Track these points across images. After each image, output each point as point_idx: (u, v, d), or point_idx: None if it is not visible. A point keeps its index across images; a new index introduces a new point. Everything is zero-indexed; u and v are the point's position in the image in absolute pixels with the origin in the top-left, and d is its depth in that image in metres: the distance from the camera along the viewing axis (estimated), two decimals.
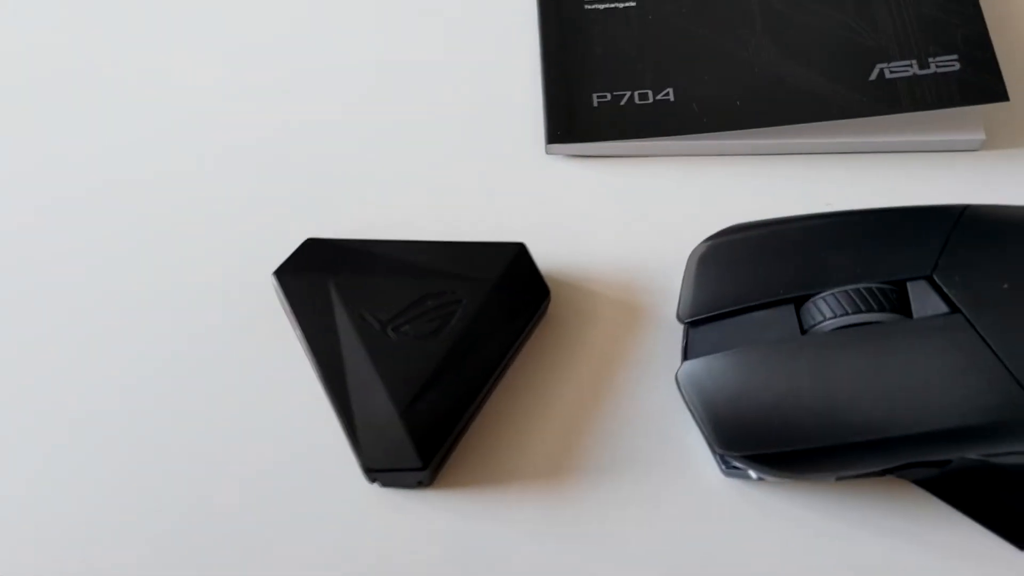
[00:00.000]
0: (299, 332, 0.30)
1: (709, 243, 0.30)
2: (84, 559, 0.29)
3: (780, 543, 0.28)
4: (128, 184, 0.36)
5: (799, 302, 0.28)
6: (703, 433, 0.27)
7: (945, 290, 0.27)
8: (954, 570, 0.28)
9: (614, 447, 0.30)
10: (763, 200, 0.34)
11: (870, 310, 0.27)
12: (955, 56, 0.35)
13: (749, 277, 0.29)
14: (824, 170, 0.35)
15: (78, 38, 0.39)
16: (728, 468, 0.29)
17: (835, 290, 0.28)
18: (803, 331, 0.28)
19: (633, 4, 0.38)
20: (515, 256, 0.31)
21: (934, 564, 0.28)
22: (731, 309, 0.29)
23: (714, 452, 0.28)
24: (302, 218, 0.34)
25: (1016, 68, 0.36)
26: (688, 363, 0.28)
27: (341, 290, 0.30)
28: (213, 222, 0.35)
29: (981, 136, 0.35)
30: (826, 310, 0.27)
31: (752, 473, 0.28)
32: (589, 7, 0.38)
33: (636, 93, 0.36)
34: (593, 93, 0.36)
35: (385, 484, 0.29)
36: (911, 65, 0.35)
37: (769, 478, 0.28)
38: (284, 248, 0.32)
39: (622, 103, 0.35)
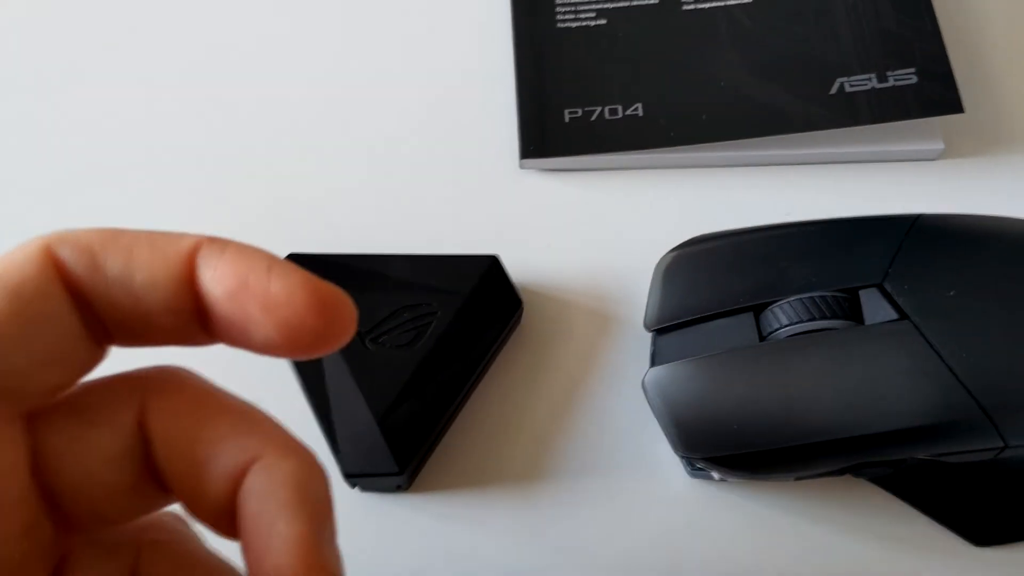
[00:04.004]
0: None
1: (674, 253, 0.32)
2: None
3: (743, 541, 0.30)
4: (117, 200, 0.37)
5: (758, 310, 0.29)
6: (667, 437, 0.28)
7: (895, 297, 0.28)
8: (910, 565, 0.29)
9: (585, 451, 0.31)
10: (728, 211, 0.35)
11: (823, 317, 0.28)
12: (913, 70, 0.36)
13: (711, 286, 0.30)
14: (788, 181, 0.36)
15: (38, 61, 0.41)
16: (693, 470, 0.30)
17: (791, 298, 0.29)
18: (762, 338, 0.29)
19: (604, 22, 0.39)
20: (489, 268, 0.32)
21: (890, 559, 0.29)
22: (694, 317, 0.30)
23: (679, 455, 0.30)
24: (284, 233, 0.35)
25: (972, 80, 0.37)
26: (653, 370, 0.29)
27: None
28: None
29: (940, 146, 0.36)
30: (782, 317, 0.29)
31: (715, 474, 0.29)
32: (561, 25, 0.39)
33: (606, 108, 0.37)
34: (565, 109, 0.37)
35: (365, 488, 0.31)
36: (871, 79, 0.36)
37: (731, 479, 0.30)
38: None
39: (593, 118, 0.37)
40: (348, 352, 0.31)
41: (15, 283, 0.17)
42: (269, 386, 0.32)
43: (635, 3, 0.39)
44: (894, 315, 0.28)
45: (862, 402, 0.27)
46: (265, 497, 0.17)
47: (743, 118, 0.36)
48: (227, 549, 0.20)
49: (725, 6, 0.38)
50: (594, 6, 0.39)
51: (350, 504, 0.31)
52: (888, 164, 0.36)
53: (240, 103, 0.39)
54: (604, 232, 0.35)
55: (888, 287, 0.28)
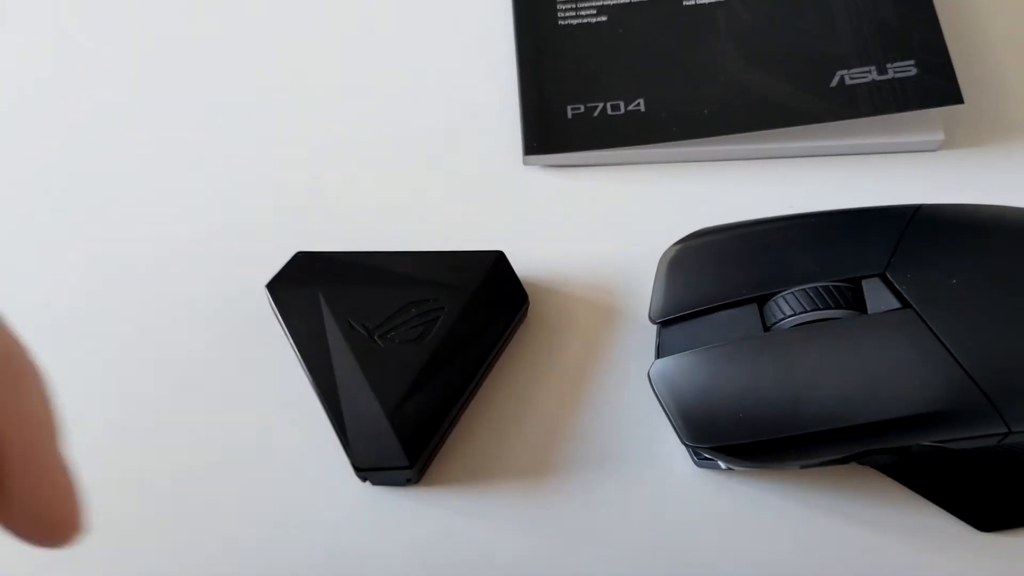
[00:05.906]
0: (291, 341, 0.32)
1: (678, 246, 0.32)
2: (79, 550, 0.30)
3: (749, 529, 0.30)
4: (128, 203, 0.37)
5: (762, 301, 0.30)
6: (673, 427, 0.29)
7: (897, 287, 0.28)
8: (915, 551, 0.29)
9: (592, 442, 0.31)
10: (730, 204, 0.35)
11: (827, 307, 0.28)
12: (912, 61, 0.36)
13: (715, 278, 0.31)
14: (789, 173, 0.36)
15: (51, 58, 0.41)
16: (700, 460, 0.31)
17: (795, 289, 0.29)
18: (766, 328, 0.29)
19: (604, 19, 0.39)
20: (494, 263, 0.33)
21: (895, 546, 0.29)
22: (699, 309, 0.30)
23: (686, 445, 0.30)
24: (292, 232, 0.36)
25: (972, 71, 0.38)
26: (659, 361, 0.30)
27: (330, 300, 0.32)
28: (209, 239, 0.36)
29: (940, 136, 0.36)
30: (786, 308, 0.29)
31: (721, 464, 0.29)
32: (563, 22, 0.39)
33: (608, 104, 0.37)
34: (567, 105, 0.37)
35: (375, 482, 0.31)
36: (870, 71, 0.36)
37: (737, 468, 0.30)
38: (276, 262, 0.33)
39: (595, 114, 0.37)
40: (358, 347, 0.31)
41: None
42: (281, 383, 0.33)
43: None
44: (897, 304, 0.28)
45: (866, 390, 0.27)
46: None
47: (744, 112, 0.36)
48: None
49: (725, 0, 0.39)
50: (595, 3, 0.39)
51: (360, 497, 0.31)
52: (889, 155, 0.37)
53: (246, 103, 0.39)
54: (608, 226, 0.35)
55: (891, 276, 0.28)
